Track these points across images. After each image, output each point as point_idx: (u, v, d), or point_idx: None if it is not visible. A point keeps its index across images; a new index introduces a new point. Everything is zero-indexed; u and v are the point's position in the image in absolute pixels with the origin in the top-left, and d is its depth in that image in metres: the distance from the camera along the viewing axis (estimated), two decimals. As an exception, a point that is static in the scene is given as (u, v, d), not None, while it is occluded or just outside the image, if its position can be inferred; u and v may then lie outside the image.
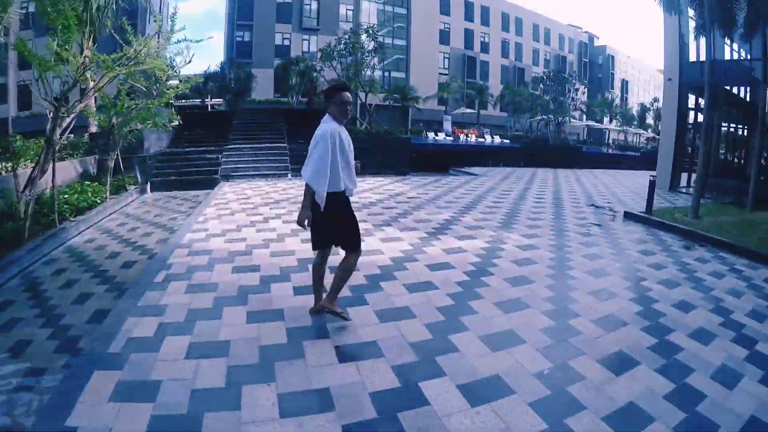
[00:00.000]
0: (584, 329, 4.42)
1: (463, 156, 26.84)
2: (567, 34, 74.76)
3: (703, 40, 19.95)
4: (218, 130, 20.92)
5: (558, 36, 72.69)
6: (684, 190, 19.77)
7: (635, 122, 71.04)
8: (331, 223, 4.08)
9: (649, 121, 73.42)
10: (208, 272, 5.65)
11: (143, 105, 12.55)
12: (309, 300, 4.66)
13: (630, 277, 6.24)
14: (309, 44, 44.85)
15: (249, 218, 8.84)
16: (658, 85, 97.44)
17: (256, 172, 16.38)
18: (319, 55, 27.78)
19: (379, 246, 7.06)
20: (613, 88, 78.12)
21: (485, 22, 60.95)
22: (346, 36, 26.04)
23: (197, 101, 37.51)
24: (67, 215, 9.60)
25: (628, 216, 11.11)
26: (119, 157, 13.93)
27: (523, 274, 6.04)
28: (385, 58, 27.14)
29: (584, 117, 57.88)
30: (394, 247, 7.01)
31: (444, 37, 56.27)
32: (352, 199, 4.34)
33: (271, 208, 9.92)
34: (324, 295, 4.35)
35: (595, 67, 78.73)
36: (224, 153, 17.60)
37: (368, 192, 12.98)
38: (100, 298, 5.69)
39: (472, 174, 20.20)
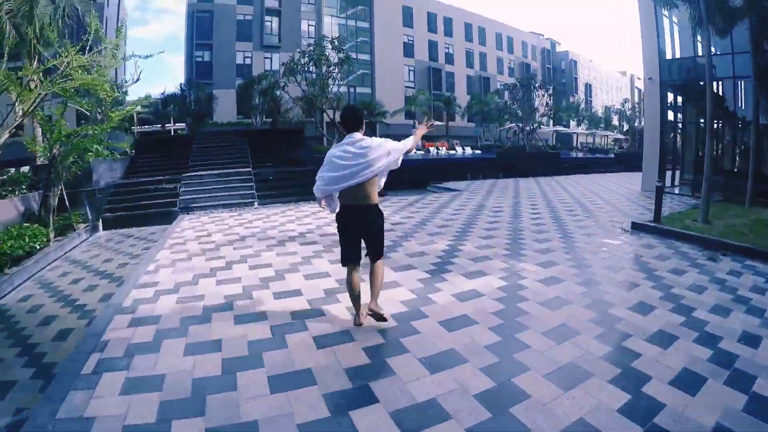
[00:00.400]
0: (670, 402, 3.33)
1: (439, 170, 25.65)
2: (530, 42, 75.58)
3: (677, 37, 20.12)
4: (177, 156, 19.30)
5: (521, 44, 73.42)
6: (671, 191, 19.05)
7: (602, 125, 71.73)
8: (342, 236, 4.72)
9: (616, 122, 74.37)
10: (152, 355, 4.13)
11: (85, 130, 10.97)
12: (294, 401, 3.32)
13: (679, 308, 5.29)
14: (271, 62, 43.48)
15: (209, 263, 7.27)
16: (620, 87, 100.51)
17: (219, 202, 14.82)
18: (282, 70, 26.25)
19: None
20: (577, 92, 78.92)
21: (448, 32, 60.85)
22: (311, 48, 24.72)
23: (158, 126, 35.56)
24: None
25: (637, 227, 10.22)
26: (64, 193, 12.30)
27: (561, 320, 4.84)
28: (352, 71, 25.80)
29: (551, 122, 57.70)
30: (392, 296, 5.58)
31: (408, 50, 55.74)
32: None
33: (235, 248, 8.36)
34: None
35: (558, 72, 79.40)
36: (183, 182, 15.96)
37: (347, 218, 11.49)
38: (23, 388, 4.35)
39: (453, 190, 18.92)
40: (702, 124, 19.95)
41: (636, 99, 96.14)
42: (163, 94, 33.78)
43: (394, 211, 12.67)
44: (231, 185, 16.04)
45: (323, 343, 4.31)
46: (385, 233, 4.92)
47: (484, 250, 8.08)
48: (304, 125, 29.28)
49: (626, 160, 41.31)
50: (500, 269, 6.81)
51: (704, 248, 8.43)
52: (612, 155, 49.91)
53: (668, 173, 20.66)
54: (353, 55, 43.01)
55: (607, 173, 32.62)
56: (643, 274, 6.60)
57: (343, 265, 4.70)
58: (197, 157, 19.41)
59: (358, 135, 4.55)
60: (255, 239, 9.13)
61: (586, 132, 70.32)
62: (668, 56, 19.90)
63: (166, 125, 36.33)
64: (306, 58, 24.41)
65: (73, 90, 10.61)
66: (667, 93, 20.03)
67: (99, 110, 12.57)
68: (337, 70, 24.95)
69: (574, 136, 72.27)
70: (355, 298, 4.68)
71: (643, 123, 72.61)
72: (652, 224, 10.17)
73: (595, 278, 6.36)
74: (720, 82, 18.43)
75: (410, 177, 22.40)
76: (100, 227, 13.44)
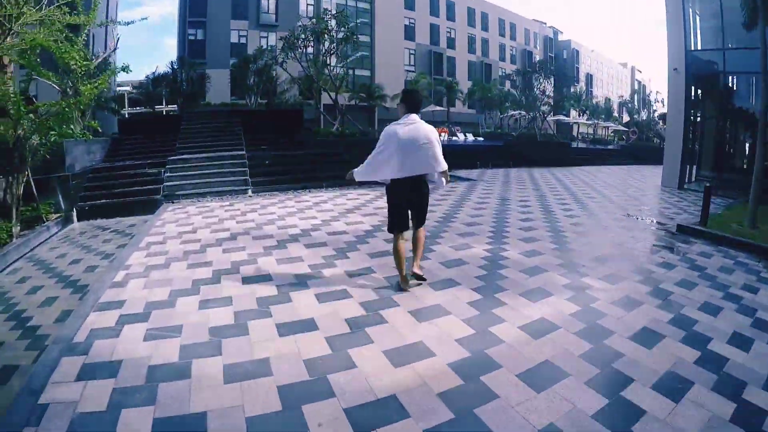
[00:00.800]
0: None
1: (446, 157, 23.93)
2: (532, 29, 73.97)
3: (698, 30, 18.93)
4: (163, 138, 17.59)
5: (524, 31, 71.80)
6: (689, 188, 18.17)
7: (603, 116, 70.38)
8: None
9: (618, 114, 73.11)
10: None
11: (56, 106, 9.35)
12: None
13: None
14: (267, 41, 41.42)
15: (191, 273, 5.70)
16: (621, 78, 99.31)
17: (208, 189, 13.13)
18: (280, 45, 24.26)
19: (415, 331, 4.14)
20: (578, 81, 77.41)
21: (451, 17, 58.95)
22: (313, 20, 22.85)
23: (149, 109, 33.59)
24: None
25: (684, 230, 9.19)
26: (31, 179, 10.67)
27: (664, 365, 3.63)
28: (357, 48, 23.89)
29: (551, 111, 56.24)
30: (444, 331, 4.11)
31: (409, 33, 53.86)
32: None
33: (225, 251, 6.79)
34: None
35: (561, 61, 77.66)
36: (169, 166, 14.27)
37: (355, 213, 9.94)
38: None
39: (467, 179, 17.36)
40: (715, 120, 19.32)
41: (636, 90, 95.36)
42: (153, 73, 31.89)
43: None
44: (222, 170, 14.34)
45: (361, 417, 2.84)
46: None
47: (532, 258, 6.61)
48: (301, 106, 27.58)
49: (634, 153, 39.91)
50: (563, 286, 5.40)
51: (760, 258, 7.51)
52: (613, 147, 48.52)
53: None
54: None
55: (616, 166, 31.37)
56: (719, 293, 5.54)
57: (391, 232, 5.08)
58: (185, 138, 17.67)
59: (415, 116, 4.91)
60: (249, 238, 7.56)
61: (588, 122, 68.83)
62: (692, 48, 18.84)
63: (157, 107, 34.36)
64: (308, 32, 22.50)
65: (36, 59, 8.94)
66: (691, 85, 18.82)
67: (70, 84, 10.80)
68: (340, 46, 23.05)
69: (575, 127, 70.81)
70: (402, 263, 4.96)
71: (643, 116, 72.11)
72: (698, 227, 9.17)
73: (674, 300, 5.18)
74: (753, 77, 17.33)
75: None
76: (75, 218, 11.83)
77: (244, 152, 15.80)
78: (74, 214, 11.92)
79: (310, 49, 24.17)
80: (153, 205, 11.91)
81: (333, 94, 24.32)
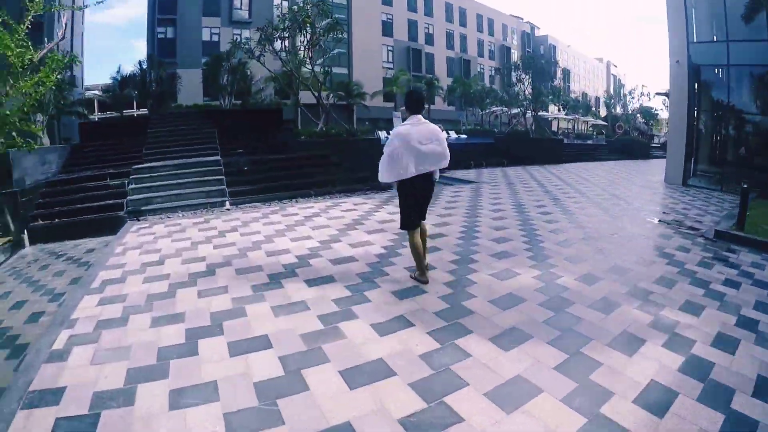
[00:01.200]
0: None
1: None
2: (510, 25, 73.36)
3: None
4: (128, 144, 15.82)
5: (501, 26, 71.11)
6: (695, 184, 17.58)
7: (581, 110, 69.89)
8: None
9: (597, 109, 72.66)
10: None
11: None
12: None
13: None
14: (240, 39, 39.51)
15: (156, 338, 4.10)
16: (597, 73, 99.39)
17: (180, 203, 11.37)
18: (257, 37, 22.33)
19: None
20: (555, 77, 76.77)
21: (429, 12, 57.68)
22: (294, 7, 21.06)
23: (118, 113, 31.31)
24: None
25: (721, 236, 8.34)
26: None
27: None
28: (340, 40, 22.12)
29: (533, 107, 55.33)
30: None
31: (387, 29, 52.39)
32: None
33: (201, 294, 5.22)
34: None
35: (538, 56, 76.94)
36: (134, 176, 12.53)
37: (358, 229, 8.39)
38: None
39: (467, 181, 15.98)
40: (713, 113, 18.75)
41: (612, 85, 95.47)
42: (117, 72, 29.80)
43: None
44: (194, 179, 12.50)
45: None
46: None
47: (593, 285, 5.41)
48: (278, 106, 25.90)
49: (620, 148, 39.13)
50: (648, 327, 4.26)
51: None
52: (599, 142, 47.76)
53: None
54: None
55: (607, 161, 30.56)
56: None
57: (406, 229, 5.30)
58: (153, 143, 15.84)
59: (420, 117, 5.19)
60: (231, 271, 5.99)
61: (568, 117, 68.25)
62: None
63: (125, 111, 32.03)
64: (287, 23, 20.67)
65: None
66: (693, 78, 18.07)
67: (11, 82, 9.00)
68: (322, 38, 21.27)
69: (554, 122, 70.15)
70: (422, 257, 5.36)
71: (620, 110, 71.74)
72: (738, 233, 8.33)
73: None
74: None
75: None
76: (26, 242, 10.15)
77: (219, 158, 14.09)
78: (25, 236, 10.24)
79: (288, 42, 22.38)
80: (116, 223, 10.26)
81: (315, 92, 22.64)
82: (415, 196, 5.19)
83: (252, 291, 5.23)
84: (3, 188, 10.60)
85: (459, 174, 17.72)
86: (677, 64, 18.01)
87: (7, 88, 8.45)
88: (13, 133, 8.54)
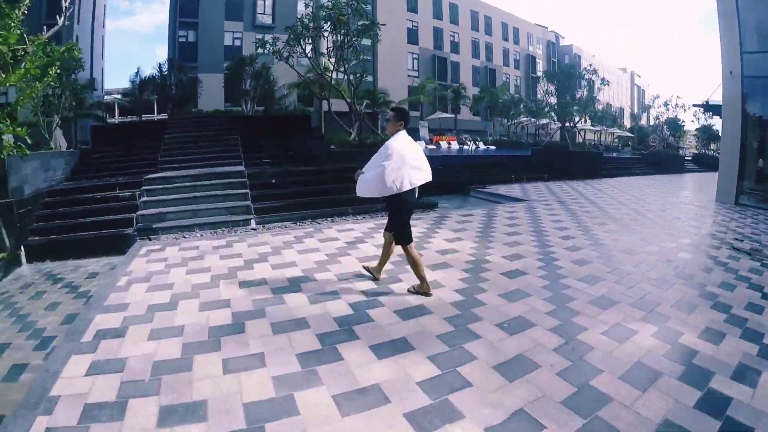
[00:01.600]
0: None
1: (470, 169, 20.90)
2: (535, 34, 71.64)
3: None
4: (143, 150, 14.44)
5: (527, 35, 69.40)
6: (745, 202, 16.04)
7: (609, 122, 67.87)
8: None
9: (625, 120, 70.58)
10: None
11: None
12: None
13: None
14: (267, 40, 38.27)
15: None
16: (620, 83, 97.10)
17: (197, 220, 9.85)
18: (284, 38, 20.78)
19: None
20: (580, 87, 74.77)
21: (454, 20, 56.19)
22: (328, 3, 19.47)
23: (137, 118, 30.17)
24: None
25: None
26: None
27: None
28: (379, 39, 20.46)
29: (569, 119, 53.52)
30: None
31: (412, 36, 50.91)
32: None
33: (227, 366, 3.66)
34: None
35: (562, 66, 75.26)
36: (146, 187, 11.07)
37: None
38: None
39: (513, 198, 14.29)
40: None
41: (636, 96, 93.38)
42: (136, 74, 28.63)
43: (475, 240, 8.06)
44: (214, 192, 10.96)
45: None
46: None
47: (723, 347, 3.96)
48: (302, 112, 24.45)
49: (655, 161, 37.12)
50: None
51: None
52: (636, 155, 45.63)
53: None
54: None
55: (644, 176, 28.86)
56: None
57: (405, 243, 5.12)
58: (169, 150, 14.39)
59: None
60: (266, 326, 4.41)
61: (594, 129, 66.22)
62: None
63: (145, 116, 30.92)
64: (321, 21, 19.08)
65: None
66: (748, 90, 16.33)
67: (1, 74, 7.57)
68: (355, 39, 19.67)
69: (580, 133, 68.18)
70: (423, 269, 5.20)
71: (643, 121, 69.55)
72: None
73: None
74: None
75: (440, 177, 17.70)
76: (23, 259, 8.79)
77: (242, 168, 12.61)
78: (22, 253, 8.87)
79: (319, 44, 20.89)
80: (124, 241, 8.83)
81: (348, 98, 21.11)
82: (410, 210, 5.24)
83: (299, 364, 3.65)
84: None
85: (503, 190, 16.06)
86: (731, 75, 16.29)
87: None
88: (2, 137, 7.12)
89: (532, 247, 7.72)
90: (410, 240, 5.12)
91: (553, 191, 16.68)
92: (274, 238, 8.37)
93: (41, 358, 4.46)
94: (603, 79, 44.80)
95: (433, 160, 17.29)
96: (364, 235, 8.52)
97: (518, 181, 19.62)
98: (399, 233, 5.15)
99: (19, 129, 6.75)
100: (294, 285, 5.66)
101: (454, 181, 17.53)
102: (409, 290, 5.33)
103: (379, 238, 8.25)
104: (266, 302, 5.08)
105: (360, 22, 19.43)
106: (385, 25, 22.27)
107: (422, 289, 5.22)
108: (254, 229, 9.47)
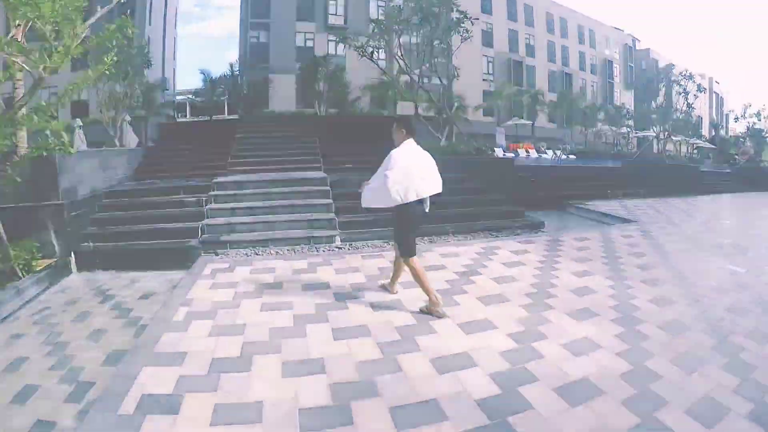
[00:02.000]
0: None
1: (557, 181, 18.57)
2: (611, 37, 67.62)
3: None
4: (212, 149, 13.26)
5: (603, 38, 65.64)
6: None
7: (690, 131, 63.46)
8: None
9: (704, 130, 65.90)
10: None
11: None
12: None
13: None
14: (335, 46, 37.37)
15: None
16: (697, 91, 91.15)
17: (271, 235, 8.31)
18: (371, 28, 19.33)
19: None
20: (658, 95, 70.61)
21: (529, 22, 53.70)
22: None
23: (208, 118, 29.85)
24: None
25: None
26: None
27: None
28: (470, 35, 18.61)
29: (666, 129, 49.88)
30: None
31: (487, 39, 48.70)
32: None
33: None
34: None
35: (639, 71, 71.09)
36: (214, 193, 9.74)
37: (559, 312, 4.97)
38: None
39: (620, 218, 12.00)
40: None
41: (715, 104, 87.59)
42: (207, 73, 28.35)
43: (614, 277, 6.16)
44: (292, 202, 9.46)
45: None
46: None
47: None
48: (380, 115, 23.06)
49: (749, 176, 33.02)
50: None
51: None
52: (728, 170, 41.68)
53: None
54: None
55: (741, 193, 25.18)
56: None
57: (409, 256, 4.84)
58: (242, 150, 13.16)
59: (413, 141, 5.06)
60: (383, 412, 2.82)
61: (675, 139, 61.94)
62: None
63: (216, 117, 30.47)
64: (412, 12, 17.46)
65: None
66: None
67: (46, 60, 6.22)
68: (446, 35, 18.01)
69: (658, 143, 64.02)
70: (429, 284, 4.76)
71: (722, 131, 64.65)
72: None
73: None
74: None
75: (539, 191, 15.69)
76: (73, 266, 7.65)
77: (324, 174, 11.08)
78: (72, 260, 7.71)
79: (403, 39, 19.22)
80: (186, 255, 7.50)
81: (436, 101, 19.51)
82: (416, 223, 4.96)
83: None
84: (47, 199, 8.12)
85: (602, 207, 13.84)
86: None
87: (40, 69, 5.73)
88: (47, 132, 5.91)
89: (675, 287, 5.80)
90: (413, 253, 4.85)
91: (659, 210, 14.17)
92: (366, 262, 6.76)
93: (72, 415, 3.29)
94: (699, 86, 41.52)
95: (523, 169, 15.00)
96: (473, 262, 6.76)
97: (615, 197, 17.32)
98: (403, 245, 4.89)
99: (55, 123, 5.46)
100: (407, 339, 4.03)
101: (548, 195, 15.51)
102: (421, 310, 4.79)
103: (494, 267, 6.50)
104: (375, 368, 3.50)
105: (454, 15, 17.63)
106: (477, 19, 20.50)
107: (433, 305, 4.70)
108: (339, 248, 7.92)
